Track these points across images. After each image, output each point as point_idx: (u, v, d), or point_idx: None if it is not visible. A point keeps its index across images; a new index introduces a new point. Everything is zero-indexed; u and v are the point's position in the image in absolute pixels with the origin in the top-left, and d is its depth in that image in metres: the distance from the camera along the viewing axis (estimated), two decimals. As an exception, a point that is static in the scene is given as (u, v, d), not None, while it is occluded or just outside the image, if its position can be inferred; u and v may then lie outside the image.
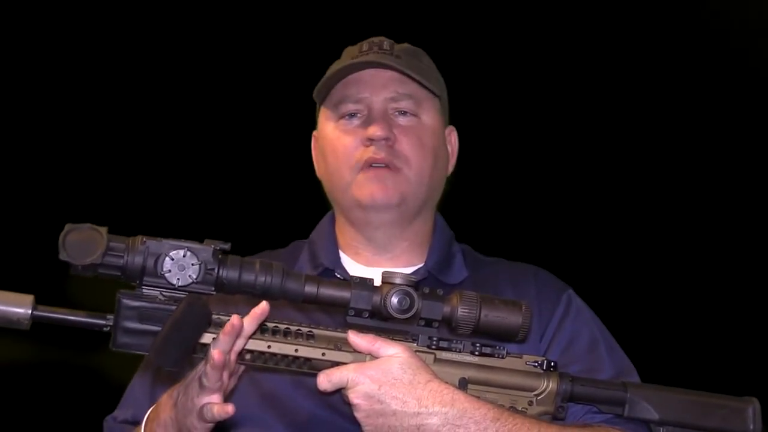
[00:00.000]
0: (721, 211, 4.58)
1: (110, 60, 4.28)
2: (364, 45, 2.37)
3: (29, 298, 1.82)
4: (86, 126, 4.27)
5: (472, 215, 3.87)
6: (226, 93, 4.38)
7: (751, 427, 2.11)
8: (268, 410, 2.14)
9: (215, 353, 1.84)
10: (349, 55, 2.37)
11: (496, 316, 1.98)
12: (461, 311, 1.96)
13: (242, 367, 1.95)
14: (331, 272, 2.31)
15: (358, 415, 1.92)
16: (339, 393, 1.95)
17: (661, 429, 2.10)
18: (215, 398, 1.88)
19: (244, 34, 4.40)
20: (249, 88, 4.40)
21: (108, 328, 1.83)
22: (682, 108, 4.59)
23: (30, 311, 1.81)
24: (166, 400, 2.02)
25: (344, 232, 2.36)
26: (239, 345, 1.88)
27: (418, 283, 2.16)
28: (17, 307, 1.81)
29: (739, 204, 4.58)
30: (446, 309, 1.97)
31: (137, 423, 2.14)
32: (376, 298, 1.94)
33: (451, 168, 2.44)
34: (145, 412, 2.13)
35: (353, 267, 2.33)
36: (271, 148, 4.27)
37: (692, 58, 4.55)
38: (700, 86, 4.57)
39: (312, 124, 2.43)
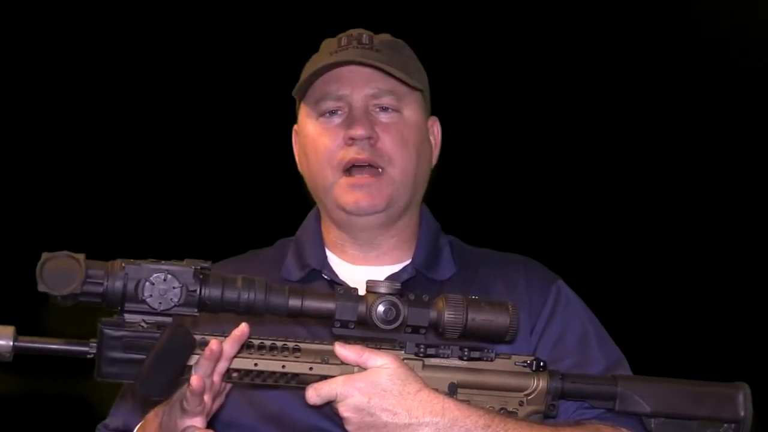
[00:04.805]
0: (706, 200, 4.59)
1: (80, 74, 4.23)
2: (343, 39, 2.31)
3: (10, 330, 1.79)
4: (54, 143, 4.22)
5: (458, 205, 3.84)
6: (205, 88, 4.33)
7: (742, 413, 2.11)
8: (263, 420, 2.13)
9: (194, 379, 1.82)
10: (328, 49, 2.31)
11: (483, 319, 1.96)
12: (448, 316, 1.94)
13: (229, 386, 1.93)
14: (318, 273, 2.28)
15: (349, 428, 1.91)
16: (330, 405, 1.94)
17: (653, 421, 2.10)
18: (197, 421, 1.87)
19: (217, 39, 4.34)
20: (229, 83, 4.35)
21: (91, 356, 1.81)
22: (667, 93, 4.57)
23: (11, 342, 1.79)
24: (152, 418, 2.02)
25: (329, 231, 2.33)
26: (222, 367, 1.86)
27: (405, 282, 2.16)
28: (-2, 339, 1.79)
29: (725, 194, 4.58)
30: (432, 314, 1.95)
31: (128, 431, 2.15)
32: (362, 309, 1.92)
33: (434, 159, 2.39)
34: (135, 421, 2.13)
35: (340, 266, 2.30)
36: (253, 144, 4.22)
37: (684, 54, 4.53)
38: (688, 80, 4.55)
39: (292, 118, 2.39)
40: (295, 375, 1.92)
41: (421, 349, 1.98)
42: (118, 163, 4.26)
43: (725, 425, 2.12)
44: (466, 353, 2.00)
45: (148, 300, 1.79)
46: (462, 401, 1.96)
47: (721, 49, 4.47)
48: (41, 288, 1.74)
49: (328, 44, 2.34)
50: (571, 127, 4.56)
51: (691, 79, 4.53)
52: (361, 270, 2.27)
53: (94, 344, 1.80)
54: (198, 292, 1.82)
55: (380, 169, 2.24)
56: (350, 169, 2.24)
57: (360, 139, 2.23)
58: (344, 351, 1.92)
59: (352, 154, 2.23)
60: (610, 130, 4.57)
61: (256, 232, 2.63)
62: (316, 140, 2.27)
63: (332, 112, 2.27)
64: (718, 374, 2.17)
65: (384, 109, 2.27)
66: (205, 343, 1.85)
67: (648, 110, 4.58)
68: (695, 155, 4.58)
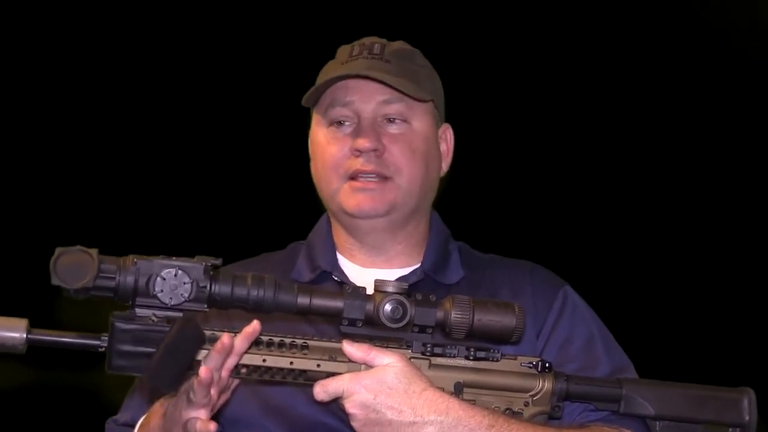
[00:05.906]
0: (712, 207, 4.58)
1: (94, 68, 4.26)
2: (355, 48, 2.34)
3: (23, 322, 1.83)
4: (69, 139, 4.26)
5: (468, 212, 3.86)
6: (221, 92, 4.35)
7: (747, 417, 2.12)
8: (269, 416, 2.16)
9: (203, 370, 1.85)
10: (340, 58, 2.35)
11: (490, 319, 1.98)
12: (454, 316, 1.96)
13: (236, 382, 1.96)
14: (329, 275, 2.31)
15: (354, 424, 1.94)
16: (336, 401, 1.97)
17: (657, 424, 2.12)
18: (201, 413, 1.89)
19: (233, 36, 4.37)
20: (246, 87, 4.37)
21: (103, 349, 1.84)
22: (678, 97, 4.57)
23: (25, 335, 1.82)
24: (157, 408, 2.05)
25: (338, 234, 2.36)
26: (231, 362, 1.89)
27: (413, 285, 2.18)
28: (12, 332, 1.82)
29: (730, 197, 4.58)
30: (439, 314, 1.97)
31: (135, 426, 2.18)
32: (369, 307, 1.94)
33: (446, 166, 2.41)
34: (142, 416, 2.16)
35: (350, 269, 2.33)
36: (267, 149, 4.25)
37: (690, 55, 4.52)
38: (697, 82, 4.54)
39: (307, 123, 2.42)
40: (303, 372, 1.94)
41: (428, 349, 2.00)
42: (132, 168, 4.29)
43: (730, 430, 2.13)
44: (472, 353, 2.02)
45: (158, 295, 1.82)
46: (467, 401, 1.98)
47: (727, 48, 4.48)
48: (54, 281, 1.78)
49: (341, 52, 2.36)
50: (581, 136, 4.57)
51: (702, 87, 4.54)
52: (370, 273, 2.29)
53: (106, 338, 1.83)
54: (208, 288, 1.85)
55: (387, 178, 2.26)
56: (356, 175, 2.26)
57: (366, 151, 2.25)
58: (352, 349, 1.95)
59: (357, 165, 2.26)
60: (621, 140, 4.57)
61: (269, 236, 2.66)
62: (324, 148, 2.30)
63: (341, 122, 2.30)
64: (724, 380, 2.18)
65: (392, 119, 2.29)
66: (215, 339, 1.87)
67: (659, 121, 4.59)
68: (705, 164, 4.58)
